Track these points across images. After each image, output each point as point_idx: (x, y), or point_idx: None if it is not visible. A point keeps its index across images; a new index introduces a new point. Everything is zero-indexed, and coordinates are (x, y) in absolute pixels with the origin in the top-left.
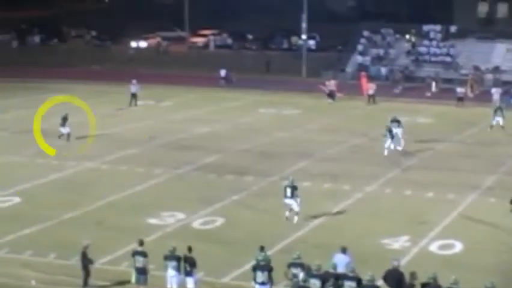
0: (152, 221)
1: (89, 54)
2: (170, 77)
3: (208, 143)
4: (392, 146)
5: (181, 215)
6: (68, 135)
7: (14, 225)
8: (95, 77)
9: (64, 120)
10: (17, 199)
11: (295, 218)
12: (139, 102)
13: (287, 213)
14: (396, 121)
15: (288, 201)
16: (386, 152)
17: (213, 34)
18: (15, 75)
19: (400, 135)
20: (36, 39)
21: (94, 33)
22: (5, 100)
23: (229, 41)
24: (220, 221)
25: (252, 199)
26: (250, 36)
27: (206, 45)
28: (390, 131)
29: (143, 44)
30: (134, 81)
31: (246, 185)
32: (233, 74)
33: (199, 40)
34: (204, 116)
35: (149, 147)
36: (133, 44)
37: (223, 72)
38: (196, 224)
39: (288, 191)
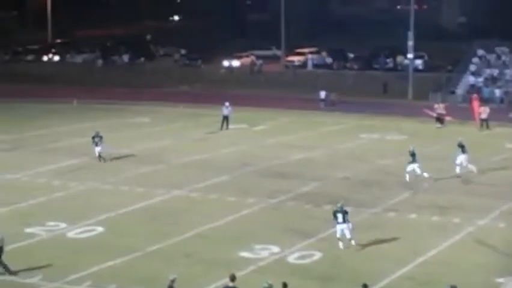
0: (245, 254)
1: (178, 74)
2: (264, 99)
3: (304, 171)
4: (419, 171)
5: (275, 249)
6: (99, 154)
7: (97, 256)
8: (184, 98)
9: (94, 139)
10: (100, 229)
11: (353, 242)
12: (231, 126)
13: (341, 245)
14: (461, 146)
15: (340, 226)
16: (407, 177)
17: (311, 52)
18: (99, 96)
19: (465, 162)
20: (125, 58)
21: (183, 51)
22: (87, 123)
23: (329, 60)
24: (317, 256)
25: (352, 232)
26: (351, 55)
27: (303, 65)
28: (413, 155)
29: (235, 63)
30: (227, 103)
31: None
32: (334, 95)
33: (296, 59)
34: (301, 141)
35: (242, 175)
36: (225, 63)
37: (323, 94)
38: (292, 259)
39: (340, 216)
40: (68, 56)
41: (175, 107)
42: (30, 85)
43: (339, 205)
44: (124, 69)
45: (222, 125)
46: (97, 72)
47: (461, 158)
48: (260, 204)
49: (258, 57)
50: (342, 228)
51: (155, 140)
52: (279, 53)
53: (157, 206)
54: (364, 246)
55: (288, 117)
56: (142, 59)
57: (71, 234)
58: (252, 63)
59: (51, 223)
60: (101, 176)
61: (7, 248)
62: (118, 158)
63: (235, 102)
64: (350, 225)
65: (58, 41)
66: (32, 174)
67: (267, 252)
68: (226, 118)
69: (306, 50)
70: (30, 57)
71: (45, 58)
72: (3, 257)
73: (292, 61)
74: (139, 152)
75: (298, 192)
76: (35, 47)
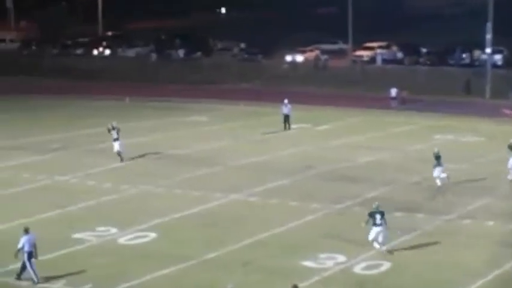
0: (308, 263)
1: (237, 70)
2: (329, 97)
3: (372, 174)
4: (436, 174)
5: (341, 258)
6: (119, 153)
7: (150, 264)
8: (244, 96)
9: (110, 132)
10: (153, 235)
11: (384, 248)
12: (293, 126)
13: (377, 246)
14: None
15: (377, 229)
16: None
17: (380, 47)
18: (153, 94)
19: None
20: (180, 52)
21: (242, 45)
22: (140, 122)
23: (399, 54)
24: (386, 265)
25: (424, 240)
26: (424, 50)
27: (372, 60)
28: (438, 158)
29: (299, 58)
30: (286, 101)
31: (416, 223)
32: (405, 93)
33: (364, 54)
34: (368, 142)
35: (305, 178)
36: (288, 58)
37: (393, 92)
38: (358, 269)
39: (378, 217)
40: (119, 49)
41: (234, 105)
42: (80, 81)
43: (375, 206)
44: (179, 64)
45: (285, 125)
46: (150, 67)
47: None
48: (324, 209)
49: (323, 51)
50: (378, 231)
51: (212, 140)
52: (345, 47)
53: (214, 210)
54: (435, 255)
55: (355, 117)
56: (199, 53)
57: (122, 240)
58: (317, 58)
59: (101, 228)
60: (154, 179)
61: (54, 254)
62: (171, 159)
63: (298, 100)
64: (386, 227)
65: (109, 33)
66: (81, 176)
67: (332, 261)
68: (286, 117)
69: (375, 44)
70: (79, 51)
71: (95, 52)
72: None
73: (360, 56)
74: (195, 152)
75: (365, 197)
76: (85, 40)
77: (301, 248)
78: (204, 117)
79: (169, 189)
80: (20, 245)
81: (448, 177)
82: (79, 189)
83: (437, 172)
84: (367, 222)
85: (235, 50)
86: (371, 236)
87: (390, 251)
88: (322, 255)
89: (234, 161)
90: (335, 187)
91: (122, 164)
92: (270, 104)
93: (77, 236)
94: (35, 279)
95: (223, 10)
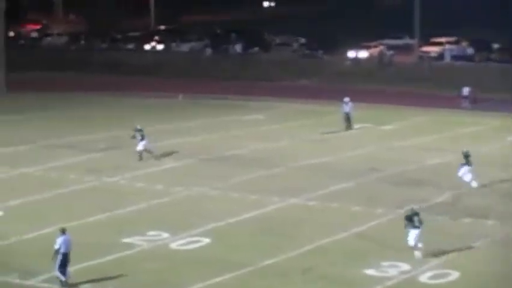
0: (370, 271)
1: (296, 66)
2: (394, 95)
3: (440, 178)
4: (468, 178)
5: (405, 266)
6: (141, 153)
7: (203, 271)
8: (303, 94)
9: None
10: (206, 240)
11: (418, 252)
12: (355, 125)
13: (419, 255)
14: None
15: (416, 231)
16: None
17: (449, 42)
18: (208, 91)
19: None
20: (238, 48)
21: (302, 40)
22: (193, 121)
23: (470, 50)
24: (453, 275)
25: (494, 248)
26: (496, 45)
27: (440, 56)
28: (467, 157)
29: (362, 54)
30: (346, 99)
31: (486, 230)
32: (476, 91)
33: (432, 49)
34: (436, 144)
35: (368, 181)
36: (351, 54)
37: (466, 91)
38: (424, 278)
39: (416, 220)
40: (173, 44)
41: (293, 102)
42: (130, 77)
43: (412, 208)
44: (235, 60)
45: (347, 124)
46: (205, 62)
47: None
48: (389, 215)
49: (388, 47)
50: (418, 234)
51: (270, 140)
52: (412, 42)
53: (271, 215)
54: (507, 264)
55: (421, 116)
56: (256, 48)
57: (174, 246)
58: (381, 54)
59: (152, 232)
60: (208, 181)
61: (102, 260)
62: (226, 160)
63: (362, 98)
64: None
65: (162, 27)
66: (130, 177)
67: (396, 270)
68: (347, 116)
69: (443, 40)
70: (130, 46)
71: (147, 47)
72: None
73: (428, 52)
74: (251, 153)
75: (432, 202)
76: (136, 34)
77: (364, 256)
78: (261, 115)
79: (224, 191)
80: (57, 246)
81: (473, 181)
82: (128, 191)
83: (461, 173)
84: (406, 226)
85: (295, 46)
86: (411, 241)
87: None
88: (385, 263)
89: (293, 162)
90: (400, 191)
91: (178, 164)
92: (330, 102)
93: (126, 240)
94: (62, 280)
95: (272, 4)
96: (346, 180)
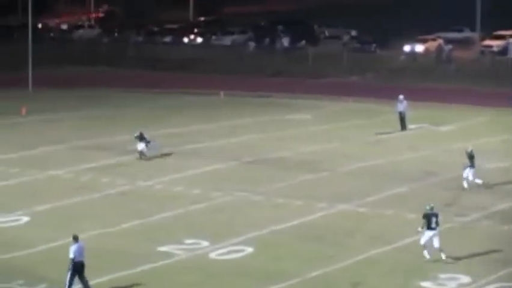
0: (427, 284)
1: (347, 61)
2: (453, 93)
3: (503, 183)
4: (471, 177)
5: (465, 279)
6: (141, 153)
7: (246, 282)
8: (354, 91)
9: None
10: (249, 249)
11: (443, 255)
12: (411, 125)
13: (427, 256)
14: None
15: (430, 232)
16: (465, 184)
17: None
18: (251, 87)
19: None
20: (285, 41)
21: (353, 33)
22: (235, 120)
23: None
24: None
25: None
26: None
27: (503, 51)
28: (471, 158)
29: (419, 48)
30: (401, 96)
31: None
32: None
33: (495, 43)
34: (499, 146)
35: (424, 186)
36: (406, 48)
37: None
38: None
39: (433, 220)
40: (213, 37)
41: (343, 101)
42: (167, 72)
43: (429, 207)
44: (280, 54)
45: (402, 125)
46: (248, 57)
47: None
48: (446, 223)
49: (447, 41)
50: (432, 235)
51: (317, 141)
52: (473, 35)
53: (319, 222)
54: None
55: (483, 116)
56: (303, 42)
57: (214, 255)
58: (439, 49)
59: (190, 241)
60: (250, 185)
61: (137, 270)
62: (271, 163)
63: (418, 96)
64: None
65: (202, 19)
66: (166, 181)
67: (455, 282)
68: (402, 116)
69: (507, 33)
70: (167, 39)
71: (185, 40)
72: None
73: (490, 46)
74: (297, 155)
75: (494, 209)
76: (174, 26)
77: (420, 267)
78: (309, 115)
79: (268, 197)
80: (71, 255)
81: (474, 179)
82: (164, 195)
83: (466, 173)
84: (423, 226)
85: (345, 39)
86: (423, 240)
87: (450, 258)
88: (443, 276)
89: (342, 165)
90: (459, 197)
91: (219, 166)
92: (383, 100)
93: (162, 249)
94: None
95: None
96: (400, 185)
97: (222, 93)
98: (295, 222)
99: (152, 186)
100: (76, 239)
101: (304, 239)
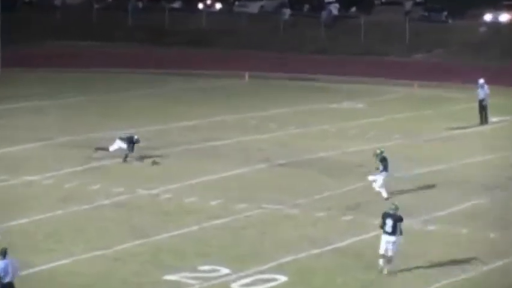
0: None
1: (409, 34)
2: None
3: None
4: (377, 185)
5: None
6: (126, 156)
7: None
8: (419, 73)
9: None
10: (282, 278)
11: (385, 270)
12: (493, 118)
13: (382, 262)
14: None
15: (387, 238)
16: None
17: None
18: (285, 68)
19: None
20: (334, 9)
21: None
22: (264, 110)
23: None
24: None
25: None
26: None
27: None
28: (383, 161)
29: (503, 17)
30: (481, 81)
31: None
32: None
33: None
34: None
35: (508, 197)
36: (487, 17)
37: None
38: None
39: (389, 223)
40: (236, 3)
41: (405, 85)
42: (176, 48)
43: (393, 206)
44: (323, 24)
45: (482, 117)
46: (281, 29)
47: None
48: None
49: None
50: (388, 241)
51: (372, 138)
52: None
53: (373, 243)
54: None
55: None
56: (354, 9)
57: (236, 286)
58: None
59: (206, 267)
60: (284, 195)
61: None
62: (311, 167)
63: (502, 80)
64: (401, 238)
65: None
66: (176, 188)
67: None
68: (483, 105)
69: None
70: (176, 5)
71: (200, 6)
72: None
73: None
74: (345, 156)
75: None
76: None
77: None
78: (361, 103)
79: (306, 210)
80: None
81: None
82: (172, 208)
83: (372, 177)
84: (381, 226)
85: (408, 6)
86: (381, 249)
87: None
88: None
89: (405, 169)
90: None
91: (244, 170)
92: (457, 85)
93: (170, 277)
94: None
95: None
96: (477, 196)
97: (247, 75)
98: (342, 244)
99: (157, 196)
100: (3, 254)
101: (354, 265)
